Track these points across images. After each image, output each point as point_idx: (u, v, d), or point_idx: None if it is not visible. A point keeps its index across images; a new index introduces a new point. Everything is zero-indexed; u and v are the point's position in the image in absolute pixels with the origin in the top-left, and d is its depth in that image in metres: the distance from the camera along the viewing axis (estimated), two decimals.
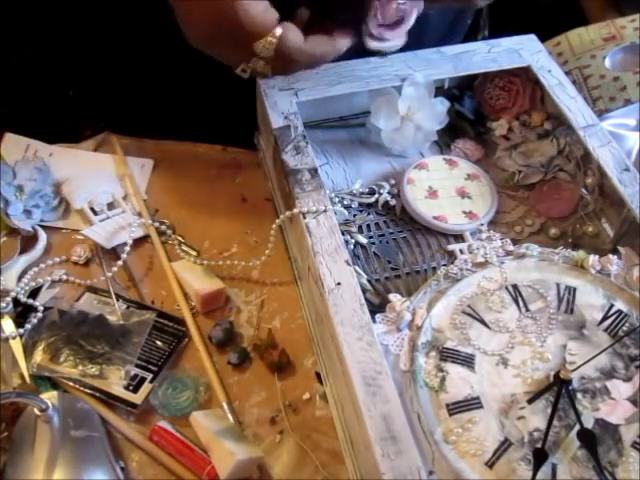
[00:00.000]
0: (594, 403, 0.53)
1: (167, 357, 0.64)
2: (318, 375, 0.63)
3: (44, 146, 0.80)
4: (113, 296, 0.68)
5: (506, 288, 0.60)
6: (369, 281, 0.63)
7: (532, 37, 0.76)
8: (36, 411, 0.56)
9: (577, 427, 0.52)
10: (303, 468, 0.59)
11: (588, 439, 0.51)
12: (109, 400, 0.61)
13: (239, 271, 0.71)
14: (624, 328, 0.57)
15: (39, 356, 0.63)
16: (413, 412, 0.53)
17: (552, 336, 0.57)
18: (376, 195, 0.69)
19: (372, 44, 0.63)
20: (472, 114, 0.77)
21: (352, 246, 0.65)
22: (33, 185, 0.73)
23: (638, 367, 0.55)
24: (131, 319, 0.66)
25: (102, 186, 0.76)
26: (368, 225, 0.67)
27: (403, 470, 0.47)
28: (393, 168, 0.73)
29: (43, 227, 0.73)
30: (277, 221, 0.65)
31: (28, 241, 0.72)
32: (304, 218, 0.60)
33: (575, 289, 0.60)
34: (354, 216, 0.68)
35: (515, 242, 0.64)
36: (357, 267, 0.63)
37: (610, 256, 0.61)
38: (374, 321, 0.56)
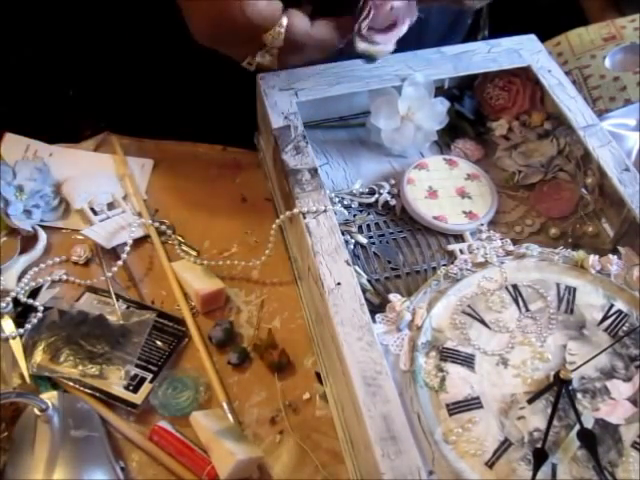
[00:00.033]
0: (594, 403, 0.53)
1: (167, 357, 0.64)
2: (318, 375, 0.63)
3: (44, 146, 0.80)
4: (113, 296, 0.68)
5: (506, 288, 0.60)
6: (369, 281, 0.63)
7: (532, 37, 0.76)
8: (36, 411, 0.56)
9: (577, 427, 0.52)
10: (303, 468, 0.59)
11: (588, 439, 0.51)
12: (109, 400, 0.61)
13: (239, 271, 0.71)
14: (624, 328, 0.57)
15: (39, 356, 0.63)
16: (413, 412, 0.53)
17: (552, 336, 0.57)
18: (376, 195, 0.69)
19: (361, 45, 0.62)
20: (472, 114, 0.77)
21: (352, 246, 0.65)
22: (33, 185, 0.73)
23: (638, 367, 0.55)
24: (131, 319, 0.66)
25: (102, 186, 0.76)
26: (368, 225, 0.67)
27: (403, 470, 0.47)
28: (393, 168, 0.73)
29: (43, 227, 0.73)
30: (277, 221, 0.65)
31: (28, 241, 0.72)
32: (304, 218, 0.60)
33: (575, 289, 0.60)
34: (354, 216, 0.68)
35: (515, 242, 0.64)
36: (357, 267, 0.63)
37: (610, 256, 0.61)
38: (374, 321, 0.56)
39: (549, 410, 0.53)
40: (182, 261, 0.71)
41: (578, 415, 0.52)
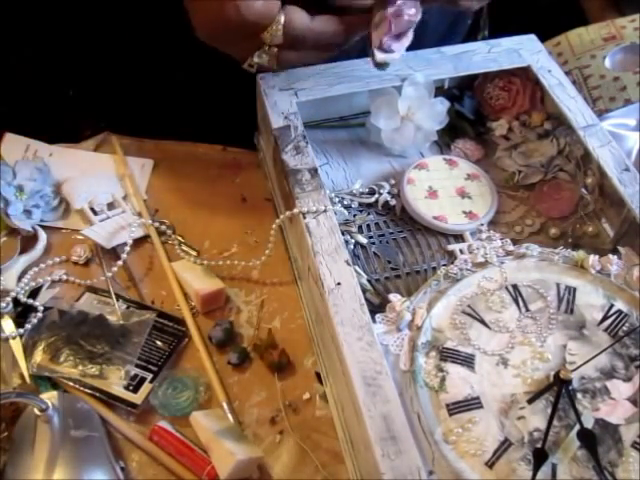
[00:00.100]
0: (594, 403, 0.53)
1: (167, 357, 0.64)
2: (318, 375, 0.63)
3: (44, 146, 0.80)
4: (113, 296, 0.68)
5: (506, 288, 0.60)
6: (369, 281, 0.63)
7: (532, 37, 0.76)
8: (36, 411, 0.56)
9: (577, 427, 0.52)
10: (303, 468, 0.59)
11: (588, 439, 0.51)
12: (109, 400, 0.61)
13: (239, 271, 0.71)
14: (624, 328, 0.57)
15: (39, 356, 0.63)
16: (413, 412, 0.53)
17: (552, 336, 0.57)
18: (376, 195, 0.69)
19: (380, 56, 0.62)
20: (472, 114, 0.77)
21: (352, 246, 0.65)
22: (33, 185, 0.73)
23: (638, 367, 0.55)
24: (131, 319, 0.66)
25: (102, 186, 0.76)
26: (368, 225, 0.67)
27: (403, 470, 0.47)
28: (393, 168, 0.73)
29: (43, 227, 0.73)
30: (277, 221, 0.65)
31: (28, 241, 0.72)
32: (304, 218, 0.60)
33: (575, 289, 0.60)
34: (354, 216, 0.68)
35: (515, 242, 0.64)
36: (357, 267, 0.62)
37: (610, 256, 0.61)
38: (374, 321, 0.56)
39: (549, 410, 0.53)
40: (182, 261, 0.71)
41: (578, 415, 0.52)
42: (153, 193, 0.78)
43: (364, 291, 0.59)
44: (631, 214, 0.61)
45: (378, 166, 0.73)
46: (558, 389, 0.53)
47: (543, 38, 0.77)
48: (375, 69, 0.64)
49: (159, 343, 0.65)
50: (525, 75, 0.74)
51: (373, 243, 0.66)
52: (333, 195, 0.67)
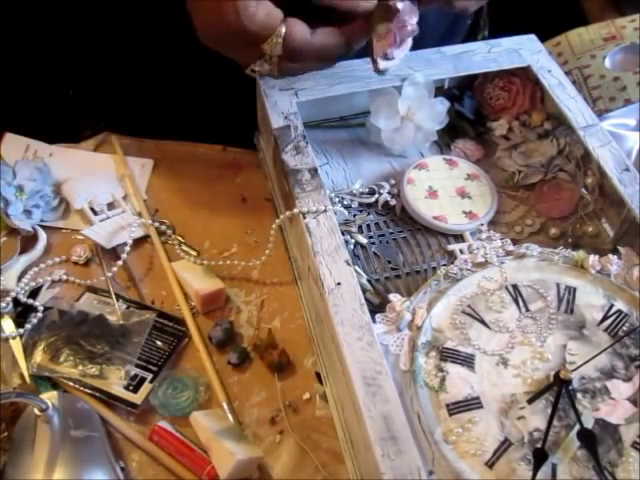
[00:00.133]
0: (594, 403, 0.53)
1: (167, 357, 0.64)
2: (318, 375, 0.63)
3: (44, 146, 0.80)
4: (113, 296, 0.68)
5: (506, 288, 0.60)
6: (369, 281, 0.63)
7: (532, 37, 0.76)
8: (36, 411, 0.56)
9: (577, 427, 0.52)
10: (303, 468, 0.59)
11: (588, 439, 0.51)
12: (109, 400, 0.61)
13: (239, 271, 0.71)
14: (624, 328, 0.57)
15: (39, 356, 0.63)
16: (413, 412, 0.53)
17: (552, 336, 0.57)
18: (376, 195, 0.69)
19: (383, 64, 0.63)
20: (472, 114, 0.77)
21: (352, 246, 0.65)
22: (33, 185, 0.73)
23: (638, 367, 0.55)
24: (131, 319, 0.66)
25: (102, 186, 0.76)
26: (368, 225, 0.67)
27: (403, 470, 0.47)
28: (393, 168, 0.73)
29: (43, 227, 0.73)
30: (277, 221, 0.65)
31: (28, 241, 0.72)
32: (304, 218, 0.60)
33: (575, 289, 0.60)
34: (354, 216, 0.68)
35: (515, 242, 0.64)
36: (357, 267, 0.63)
37: (610, 256, 0.61)
38: (374, 321, 0.56)
39: (549, 410, 0.53)
40: (182, 261, 0.71)
41: (578, 415, 0.52)
42: (153, 193, 0.78)
43: (364, 291, 0.59)
44: (631, 214, 0.61)
45: (378, 166, 0.73)
46: (558, 389, 0.53)
47: (543, 38, 0.77)
48: (380, 76, 0.64)
49: (159, 343, 0.65)
50: (525, 75, 0.74)
51: (373, 243, 0.66)
52: (333, 195, 0.67)
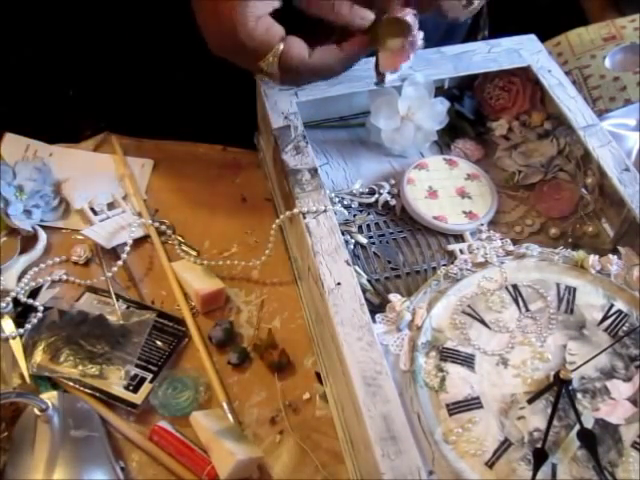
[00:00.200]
0: (594, 403, 0.53)
1: (167, 357, 0.64)
2: (318, 375, 0.63)
3: (44, 146, 0.80)
4: (113, 296, 0.68)
5: (506, 288, 0.60)
6: (369, 281, 0.63)
7: (532, 37, 0.76)
8: (36, 411, 0.56)
9: (577, 427, 0.52)
10: (303, 468, 0.59)
11: (588, 439, 0.51)
12: (109, 400, 0.61)
13: (239, 271, 0.71)
14: (624, 328, 0.57)
15: (39, 356, 0.63)
16: (413, 412, 0.53)
17: (552, 336, 0.57)
18: (376, 195, 0.69)
19: (389, 77, 0.63)
20: (472, 114, 0.77)
21: (352, 246, 0.65)
22: (33, 185, 0.73)
23: (638, 367, 0.55)
24: (131, 319, 0.66)
25: (102, 186, 0.76)
26: (368, 225, 0.67)
27: (403, 470, 0.47)
28: (393, 168, 0.73)
29: (43, 227, 0.73)
30: (277, 221, 0.65)
31: (28, 241, 0.72)
32: (304, 218, 0.60)
33: (575, 289, 0.60)
34: (354, 216, 0.68)
35: (515, 242, 0.64)
36: (357, 267, 0.63)
37: (610, 256, 0.61)
38: (374, 321, 0.56)
39: (549, 410, 0.53)
40: (182, 261, 0.71)
41: (578, 415, 0.52)
42: (153, 193, 0.78)
43: (364, 291, 0.59)
44: (631, 214, 0.61)
45: (378, 166, 0.73)
46: (558, 389, 0.53)
47: (543, 38, 0.77)
48: (375, 83, 0.64)
49: (159, 343, 0.65)
50: (525, 75, 0.74)
51: (373, 243, 0.66)
52: (333, 195, 0.67)
